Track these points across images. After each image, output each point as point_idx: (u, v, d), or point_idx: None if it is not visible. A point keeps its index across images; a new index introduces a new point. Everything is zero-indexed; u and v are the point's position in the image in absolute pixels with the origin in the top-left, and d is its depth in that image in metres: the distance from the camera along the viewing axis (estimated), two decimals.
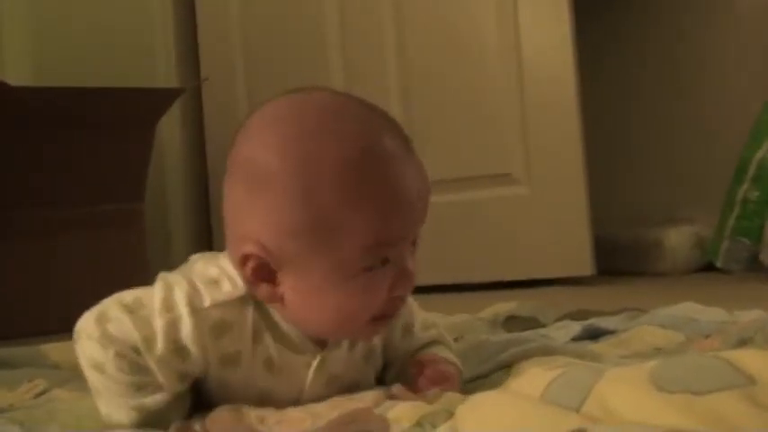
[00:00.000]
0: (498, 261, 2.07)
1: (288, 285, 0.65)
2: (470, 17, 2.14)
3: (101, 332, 0.65)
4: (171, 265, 0.92)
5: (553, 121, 2.05)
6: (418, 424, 0.58)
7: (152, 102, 1.91)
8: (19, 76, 2.28)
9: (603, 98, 2.32)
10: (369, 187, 0.62)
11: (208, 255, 0.76)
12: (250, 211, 0.64)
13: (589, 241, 2.02)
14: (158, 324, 0.65)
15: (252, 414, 0.65)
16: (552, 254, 2.05)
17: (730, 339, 0.84)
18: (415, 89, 2.17)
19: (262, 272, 0.65)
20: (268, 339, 0.68)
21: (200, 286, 0.66)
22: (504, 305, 1.26)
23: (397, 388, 0.69)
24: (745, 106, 2.06)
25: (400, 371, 0.75)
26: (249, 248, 0.64)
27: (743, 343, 0.82)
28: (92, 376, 0.67)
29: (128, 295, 0.68)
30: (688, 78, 2.35)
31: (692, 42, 2.33)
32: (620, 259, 2.24)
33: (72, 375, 0.94)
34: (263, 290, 0.65)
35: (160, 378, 0.66)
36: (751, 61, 2.24)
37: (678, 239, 2.20)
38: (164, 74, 2.35)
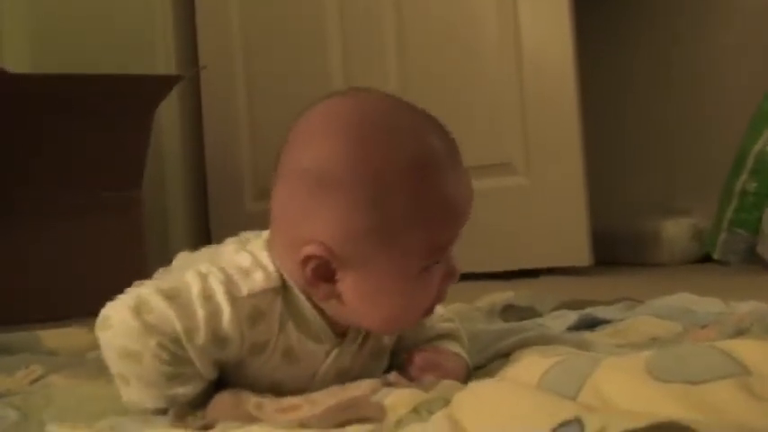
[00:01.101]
0: (496, 251, 2.07)
1: (347, 284, 0.66)
2: (470, 11, 2.14)
3: (141, 322, 0.65)
4: (169, 253, 0.93)
5: (552, 112, 2.05)
6: (414, 411, 0.59)
7: (150, 89, 1.91)
8: (18, 63, 2.27)
9: (602, 90, 2.32)
10: (430, 196, 0.65)
11: (241, 237, 0.78)
12: (314, 214, 0.65)
13: (587, 232, 2.02)
14: (200, 314, 0.65)
15: (251, 400, 0.66)
16: (550, 244, 2.05)
17: (727, 330, 0.84)
18: (414, 78, 2.17)
19: (322, 272, 0.66)
20: (291, 328, 0.69)
21: (235, 276, 0.67)
22: (501, 294, 1.26)
23: (393, 375, 0.69)
24: (744, 97, 2.06)
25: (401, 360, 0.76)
26: (312, 250, 0.65)
27: (739, 333, 0.82)
28: (120, 364, 0.67)
29: (162, 283, 0.68)
30: (687, 70, 2.34)
31: (691, 34, 2.33)
32: (618, 250, 2.24)
33: (68, 361, 0.94)
34: (323, 289, 0.67)
35: (198, 366, 0.67)
36: (751, 52, 2.24)
37: (676, 231, 2.20)
38: (163, 62, 2.35)
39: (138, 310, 0.66)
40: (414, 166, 0.65)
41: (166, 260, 0.90)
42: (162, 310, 0.65)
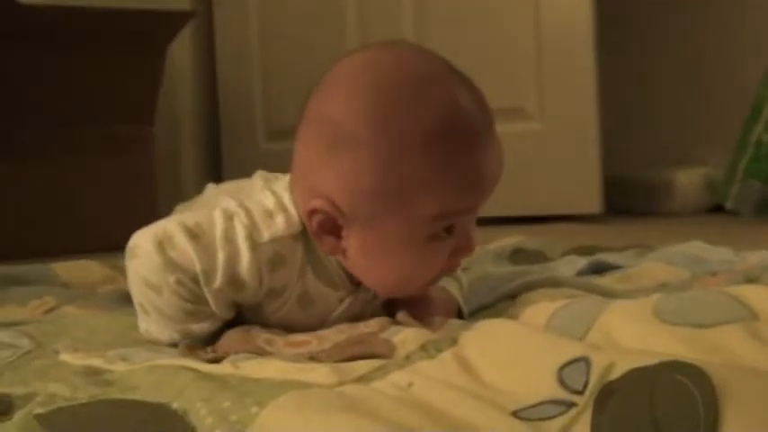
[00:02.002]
0: (507, 195, 2.05)
1: (352, 241, 0.66)
2: None
3: (164, 258, 0.66)
4: (180, 191, 0.93)
5: (568, 57, 2.03)
6: (423, 348, 0.59)
7: (163, 24, 1.89)
8: None
9: (618, 37, 2.29)
10: (450, 163, 0.63)
11: (268, 175, 0.78)
12: (327, 167, 0.65)
13: (599, 179, 2.02)
14: (219, 258, 0.66)
15: (261, 336, 0.67)
16: (562, 190, 2.05)
17: (736, 278, 0.84)
18: (430, 19, 2.14)
19: (328, 226, 0.66)
20: (309, 274, 0.69)
21: (258, 219, 0.67)
22: (511, 238, 1.26)
23: (401, 315, 0.69)
24: (760, 47, 2.03)
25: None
26: (319, 204, 0.65)
27: (749, 282, 0.82)
28: (142, 294, 0.68)
29: (189, 219, 0.68)
30: (702, 18, 2.31)
31: None
32: (630, 199, 2.24)
33: (81, 293, 0.95)
34: (327, 242, 0.67)
35: (214, 307, 0.67)
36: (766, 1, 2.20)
37: (689, 180, 2.19)
38: None
39: (162, 245, 0.66)
40: (436, 131, 0.63)
41: (178, 199, 0.91)
42: (184, 248, 0.66)
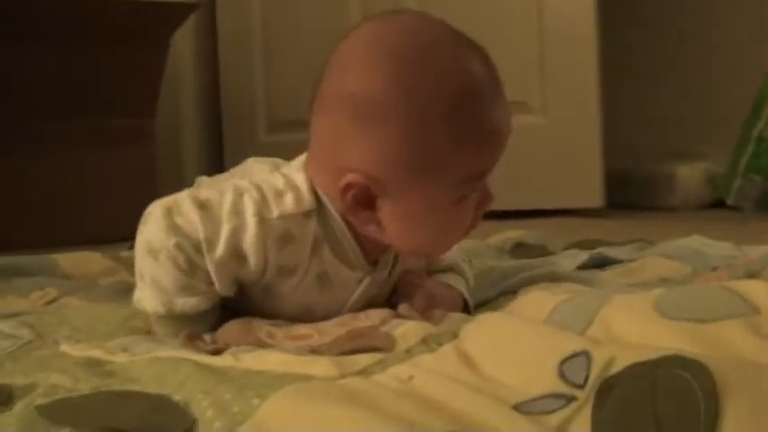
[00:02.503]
0: (509, 189, 2.05)
1: (387, 211, 0.67)
2: None
3: (168, 222, 0.67)
4: (182, 183, 0.93)
5: (571, 52, 2.03)
6: (423, 342, 0.59)
7: (166, 15, 1.89)
8: None
9: (621, 31, 2.28)
10: (472, 124, 0.66)
11: (263, 160, 0.80)
12: (354, 141, 0.65)
13: (600, 173, 2.02)
14: (225, 228, 0.66)
15: (262, 328, 0.67)
16: (563, 184, 2.05)
17: (737, 273, 0.84)
18: (435, 14, 2.14)
19: (362, 198, 0.66)
20: (326, 252, 0.69)
21: (269, 196, 0.68)
22: (513, 232, 1.26)
23: (403, 308, 0.69)
24: (763, 41, 2.02)
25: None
26: (353, 178, 0.66)
27: (750, 276, 0.82)
28: (143, 260, 0.69)
29: (202, 193, 0.69)
30: (705, 13, 2.30)
31: None
32: (631, 193, 2.24)
33: (83, 284, 0.95)
34: (363, 215, 0.67)
35: (215, 279, 0.67)
36: None
37: (690, 175, 2.19)
38: None
39: (170, 211, 0.68)
40: (457, 95, 0.65)
41: (180, 190, 0.90)
42: (191, 215, 0.67)
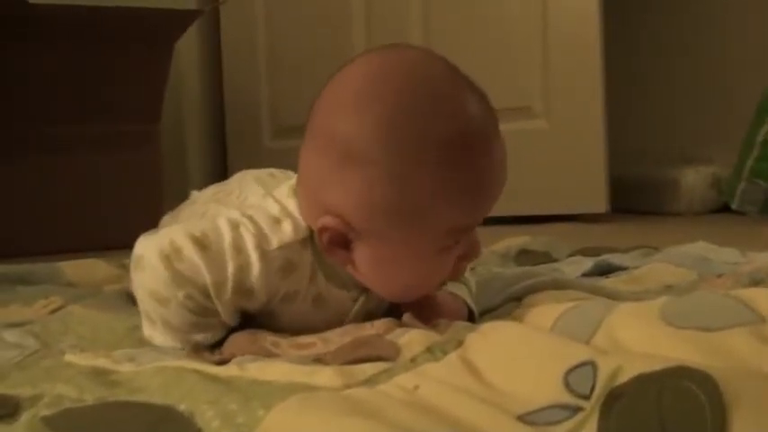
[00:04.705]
0: (513, 195, 2.05)
1: (362, 254, 0.66)
2: None
3: (172, 272, 0.66)
4: (185, 188, 0.93)
5: (575, 56, 2.03)
6: (428, 350, 0.59)
7: (170, 22, 1.89)
8: None
9: (625, 36, 2.28)
10: (462, 178, 0.63)
11: (254, 178, 0.78)
12: (337, 183, 0.64)
13: (604, 178, 2.02)
14: (230, 268, 0.65)
15: (267, 338, 0.67)
16: (567, 190, 2.04)
17: (742, 279, 0.84)
18: (437, 21, 2.14)
19: (338, 240, 0.65)
20: (320, 278, 0.69)
21: (265, 226, 0.67)
22: (517, 239, 1.26)
23: (407, 317, 0.69)
24: None
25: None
26: (329, 221, 0.65)
27: (755, 284, 0.82)
28: (149, 305, 0.68)
29: (195, 228, 0.67)
30: (710, 19, 2.30)
31: None
32: (636, 198, 2.24)
33: (88, 292, 0.95)
34: (337, 255, 0.66)
35: (223, 315, 0.67)
36: None
37: (695, 179, 2.18)
38: None
39: (170, 258, 0.66)
40: (446, 146, 0.62)
41: (184, 197, 0.91)
42: (193, 260, 0.65)
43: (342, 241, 0.66)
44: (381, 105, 0.63)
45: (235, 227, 0.67)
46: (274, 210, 0.69)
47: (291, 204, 0.69)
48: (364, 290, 0.71)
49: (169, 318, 0.68)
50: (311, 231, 0.68)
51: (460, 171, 0.63)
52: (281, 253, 0.67)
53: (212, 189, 0.88)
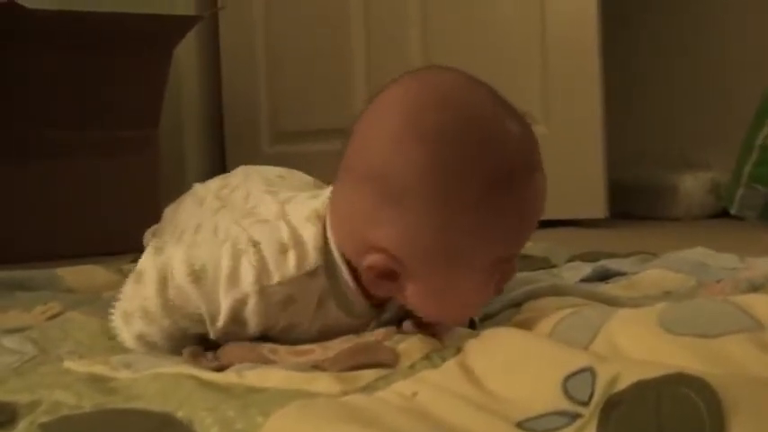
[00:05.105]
0: None
1: (410, 287, 0.65)
2: None
3: (163, 299, 0.66)
4: (185, 192, 0.93)
5: (573, 61, 2.03)
6: (427, 357, 0.59)
7: (169, 28, 1.89)
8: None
9: (624, 41, 2.29)
10: (504, 216, 0.63)
11: (263, 179, 0.79)
12: (381, 221, 0.63)
13: (603, 183, 2.01)
14: (224, 304, 0.65)
15: (265, 345, 0.66)
16: (566, 194, 2.04)
17: (741, 285, 0.84)
18: (436, 23, 2.14)
19: (385, 274, 0.65)
20: (331, 305, 0.68)
21: (269, 259, 0.65)
22: None
23: (406, 324, 0.69)
24: (767, 49, 2.02)
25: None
26: (377, 260, 0.64)
27: (754, 289, 0.82)
28: (136, 312, 0.68)
29: (195, 255, 0.67)
30: (707, 23, 2.30)
31: None
32: (635, 203, 2.23)
33: (86, 298, 0.95)
34: (384, 287, 0.66)
35: (212, 336, 0.67)
36: None
37: (694, 185, 2.18)
38: (182, 2, 2.32)
39: (164, 284, 0.66)
40: (491, 187, 0.62)
41: None
42: (186, 291, 0.66)
43: (389, 275, 0.65)
44: (425, 144, 0.61)
45: (236, 257, 0.66)
46: (284, 236, 0.67)
47: (308, 233, 0.67)
48: (375, 317, 0.71)
49: (148, 333, 0.68)
50: (326, 258, 0.67)
51: (505, 210, 0.63)
52: (281, 288, 0.65)
53: (216, 183, 0.88)
